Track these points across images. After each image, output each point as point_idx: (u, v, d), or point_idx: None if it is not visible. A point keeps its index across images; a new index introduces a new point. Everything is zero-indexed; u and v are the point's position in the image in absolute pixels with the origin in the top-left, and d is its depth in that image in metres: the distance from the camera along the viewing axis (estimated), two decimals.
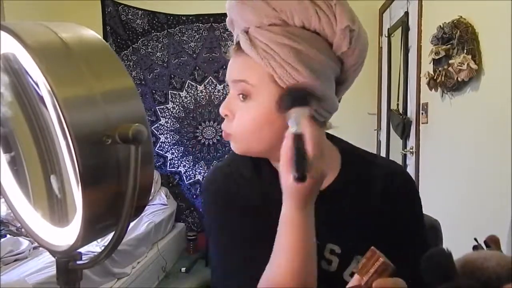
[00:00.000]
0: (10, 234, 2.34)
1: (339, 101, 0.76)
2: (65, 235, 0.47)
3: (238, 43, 0.71)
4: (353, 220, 0.74)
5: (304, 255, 0.62)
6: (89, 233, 0.45)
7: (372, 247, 0.57)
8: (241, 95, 0.70)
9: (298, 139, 0.57)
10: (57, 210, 0.49)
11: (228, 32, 3.88)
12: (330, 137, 0.82)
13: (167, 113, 4.00)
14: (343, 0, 0.68)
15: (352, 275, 0.71)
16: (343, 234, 0.74)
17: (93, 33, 0.50)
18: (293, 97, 0.61)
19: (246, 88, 0.69)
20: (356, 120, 3.63)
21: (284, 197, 0.62)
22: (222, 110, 0.73)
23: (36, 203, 0.51)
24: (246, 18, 0.69)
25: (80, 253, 0.50)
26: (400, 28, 2.82)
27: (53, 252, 0.49)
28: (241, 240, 0.73)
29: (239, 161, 0.79)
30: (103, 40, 0.50)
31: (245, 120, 0.70)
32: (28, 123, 0.48)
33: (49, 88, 0.41)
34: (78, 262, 0.49)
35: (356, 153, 0.81)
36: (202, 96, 3.97)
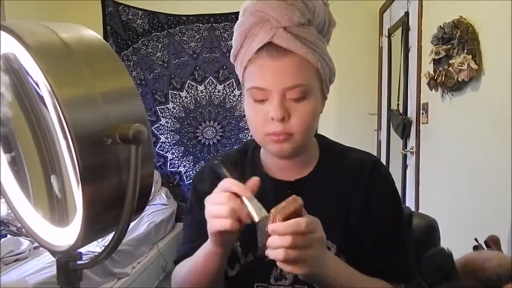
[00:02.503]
0: (10, 234, 2.34)
1: None
2: (65, 235, 0.47)
3: (270, 45, 0.70)
4: (324, 208, 0.77)
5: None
6: (89, 233, 0.45)
7: (294, 196, 0.62)
8: (296, 99, 0.72)
9: None
10: (57, 210, 0.49)
11: (228, 32, 3.89)
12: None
13: (168, 113, 4.00)
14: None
15: None
16: None
17: (93, 33, 0.50)
18: None
19: (305, 91, 0.71)
20: (356, 120, 3.63)
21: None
22: (279, 115, 0.71)
23: (36, 203, 0.51)
24: (290, 17, 0.70)
25: (81, 253, 0.50)
26: (401, 28, 2.82)
27: (53, 252, 0.49)
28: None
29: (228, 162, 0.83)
30: (104, 40, 0.50)
31: (306, 118, 0.73)
32: (29, 123, 0.48)
33: (50, 88, 0.41)
34: (79, 262, 0.49)
35: (333, 148, 0.86)
36: (202, 96, 3.97)
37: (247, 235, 0.78)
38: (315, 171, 0.82)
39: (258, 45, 0.70)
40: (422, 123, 2.48)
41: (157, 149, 4.00)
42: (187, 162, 4.01)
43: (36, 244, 2.33)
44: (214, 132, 3.96)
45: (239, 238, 0.77)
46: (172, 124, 4.00)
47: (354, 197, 0.79)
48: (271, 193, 0.77)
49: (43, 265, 2.04)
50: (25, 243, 2.26)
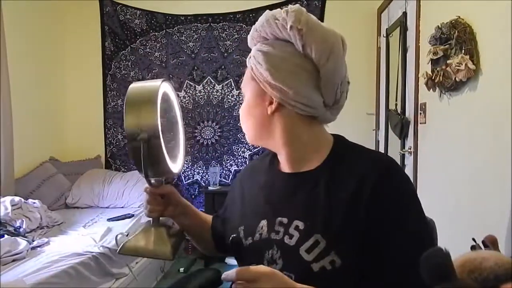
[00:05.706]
0: (8, 235, 2.34)
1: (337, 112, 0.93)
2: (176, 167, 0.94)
3: None
4: (325, 202, 0.79)
5: None
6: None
7: None
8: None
9: None
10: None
11: (226, 32, 3.89)
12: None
13: None
14: (295, 5, 0.83)
15: (308, 251, 0.76)
16: (311, 212, 0.80)
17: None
18: None
19: (243, 89, 0.93)
20: (354, 120, 3.63)
21: None
22: None
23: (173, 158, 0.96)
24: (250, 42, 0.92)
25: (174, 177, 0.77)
26: (398, 28, 2.82)
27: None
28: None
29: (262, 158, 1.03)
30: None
31: (240, 112, 0.92)
32: (170, 123, 0.99)
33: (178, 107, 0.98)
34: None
35: (348, 146, 0.89)
36: (200, 96, 3.97)
37: (249, 222, 0.89)
38: (322, 166, 0.84)
39: None
40: (420, 123, 2.49)
41: None
42: (185, 162, 4.00)
43: (33, 244, 2.32)
44: (212, 132, 3.96)
45: (243, 224, 0.91)
46: None
47: (359, 202, 0.75)
48: (281, 183, 0.90)
49: (41, 265, 2.04)
50: (22, 243, 2.26)
